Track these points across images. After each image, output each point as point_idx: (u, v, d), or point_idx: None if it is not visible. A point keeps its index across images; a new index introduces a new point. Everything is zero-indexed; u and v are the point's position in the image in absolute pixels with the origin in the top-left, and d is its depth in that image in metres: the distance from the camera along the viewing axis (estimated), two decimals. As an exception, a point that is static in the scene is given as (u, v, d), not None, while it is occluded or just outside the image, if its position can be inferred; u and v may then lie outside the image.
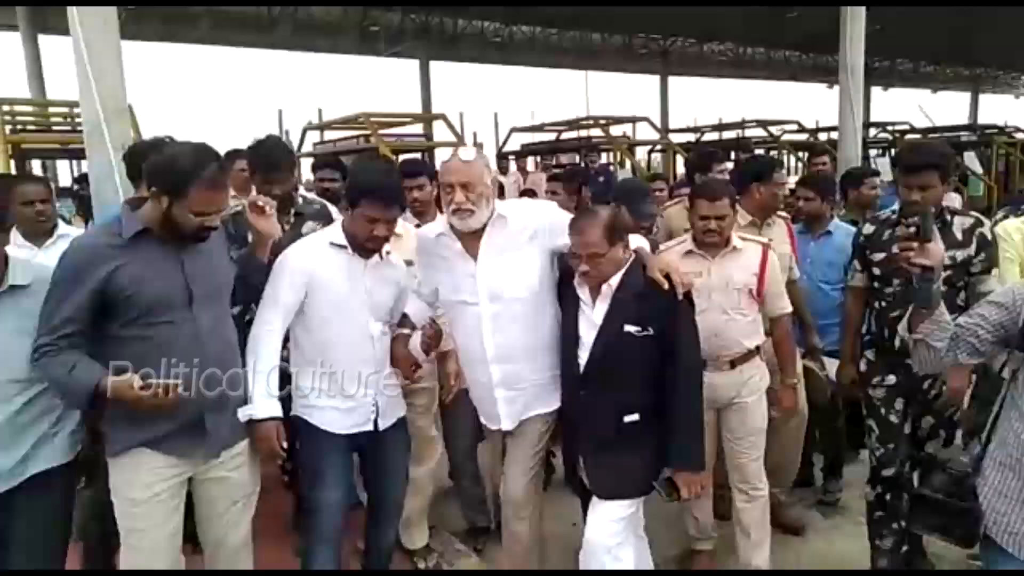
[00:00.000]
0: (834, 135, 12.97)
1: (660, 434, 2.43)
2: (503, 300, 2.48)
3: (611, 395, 2.45)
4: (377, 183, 2.43)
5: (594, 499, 2.54)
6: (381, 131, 8.86)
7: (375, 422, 2.59)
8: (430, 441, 3.29)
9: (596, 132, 12.54)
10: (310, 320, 2.45)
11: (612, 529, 2.46)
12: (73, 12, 4.28)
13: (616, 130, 12.60)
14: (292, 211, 3.16)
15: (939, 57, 27.34)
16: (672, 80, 24.21)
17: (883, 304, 2.94)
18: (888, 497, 2.98)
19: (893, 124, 15.33)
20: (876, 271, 2.94)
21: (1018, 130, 14.81)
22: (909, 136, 14.17)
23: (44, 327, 2.05)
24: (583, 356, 2.45)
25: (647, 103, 23.85)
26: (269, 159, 3.09)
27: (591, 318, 2.46)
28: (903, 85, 29.13)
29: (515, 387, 2.57)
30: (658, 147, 13.77)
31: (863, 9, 8.62)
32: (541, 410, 2.63)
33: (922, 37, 21.47)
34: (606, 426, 2.45)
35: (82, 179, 6.23)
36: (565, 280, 2.58)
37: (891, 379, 2.93)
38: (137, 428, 2.13)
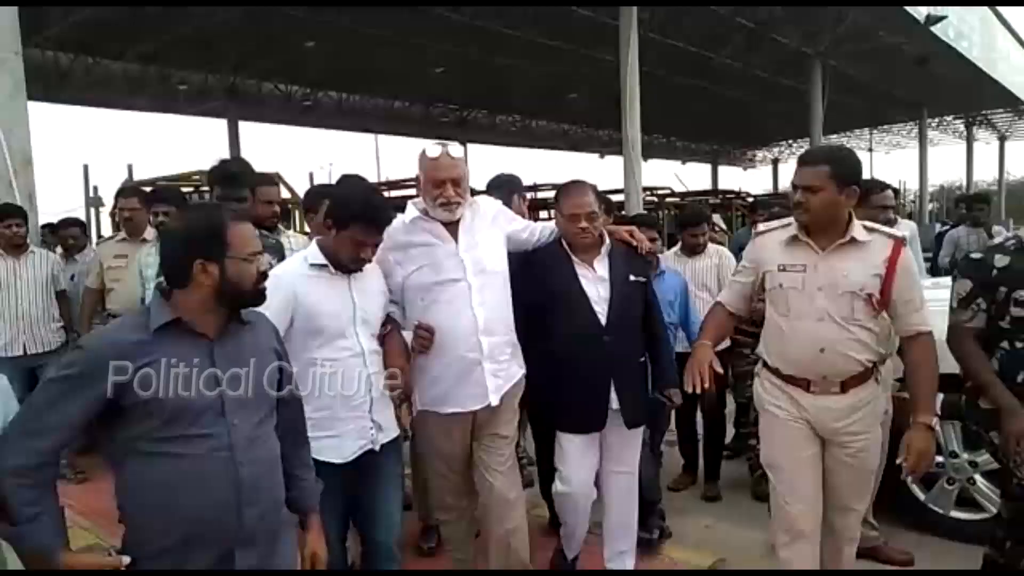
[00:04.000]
0: (615, 197, 15.44)
1: (646, 367, 2.92)
2: (486, 274, 2.60)
3: (629, 337, 2.80)
4: (368, 207, 2.32)
5: (614, 435, 2.83)
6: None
7: (373, 442, 2.40)
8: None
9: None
10: (295, 346, 2.21)
11: (637, 456, 2.94)
12: (-17, 71, 4.55)
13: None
14: None
15: (687, 134, 32.40)
16: (470, 147, 26.33)
17: (1020, 344, 2.39)
18: None
19: (658, 189, 18.24)
20: (1018, 311, 2.37)
21: (749, 195, 18.28)
22: (670, 199, 17.01)
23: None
24: (600, 308, 2.72)
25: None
26: (225, 173, 3.34)
27: (596, 277, 2.75)
28: (659, 157, 33.92)
29: (498, 360, 2.63)
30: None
31: (638, 95, 10.73)
32: (514, 379, 2.72)
33: (673, 117, 25.54)
34: (627, 363, 2.80)
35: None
36: (536, 260, 2.81)
37: None
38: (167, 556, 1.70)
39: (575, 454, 2.81)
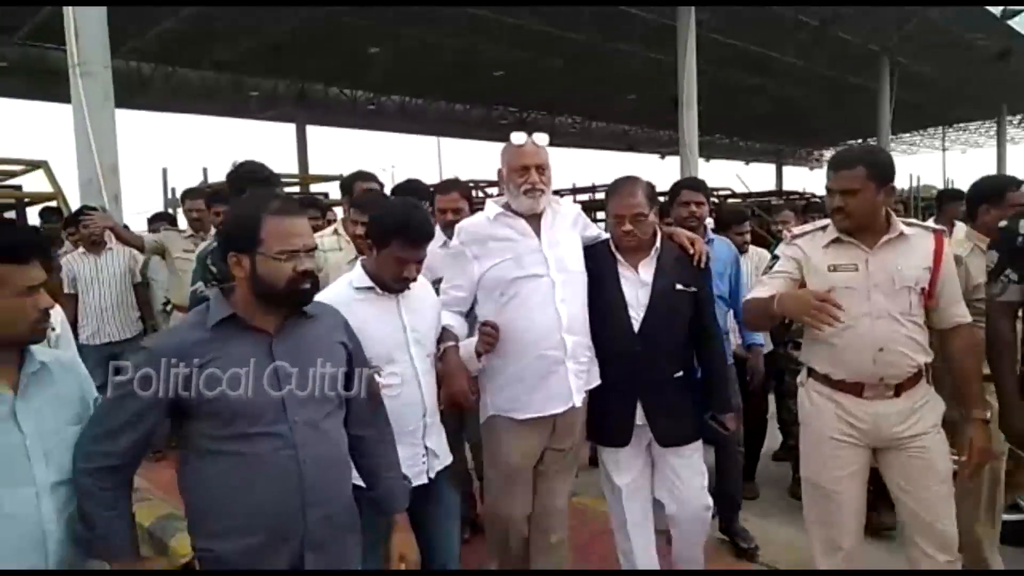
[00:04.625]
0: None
1: (694, 384, 2.68)
2: (568, 272, 2.51)
3: (665, 350, 2.57)
4: (407, 222, 2.18)
5: (660, 456, 2.63)
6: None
7: (428, 471, 2.27)
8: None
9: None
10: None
11: (702, 481, 2.65)
12: (78, 83, 4.97)
13: (491, 190, 14.16)
14: None
15: (750, 134, 31.82)
16: (528, 148, 26.58)
17: None
18: None
19: (717, 189, 18.02)
20: None
21: (814, 196, 17.87)
22: (731, 199, 16.81)
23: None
24: (635, 315, 2.54)
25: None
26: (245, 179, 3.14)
27: (639, 280, 2.56)
28: (721, 157, 33.42)
29: (580, 360, 2.52)
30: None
31: (695, 96, 10.72)
32: (594, 383, 2.61)
33: (735, 117, 25.15)
34: (658, 376, 2.57)
35: None
36: (585, 257, 2.63)
37: None
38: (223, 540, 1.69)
39: (610, 467, 2.69)
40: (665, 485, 2.65)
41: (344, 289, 2.22)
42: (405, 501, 2.03)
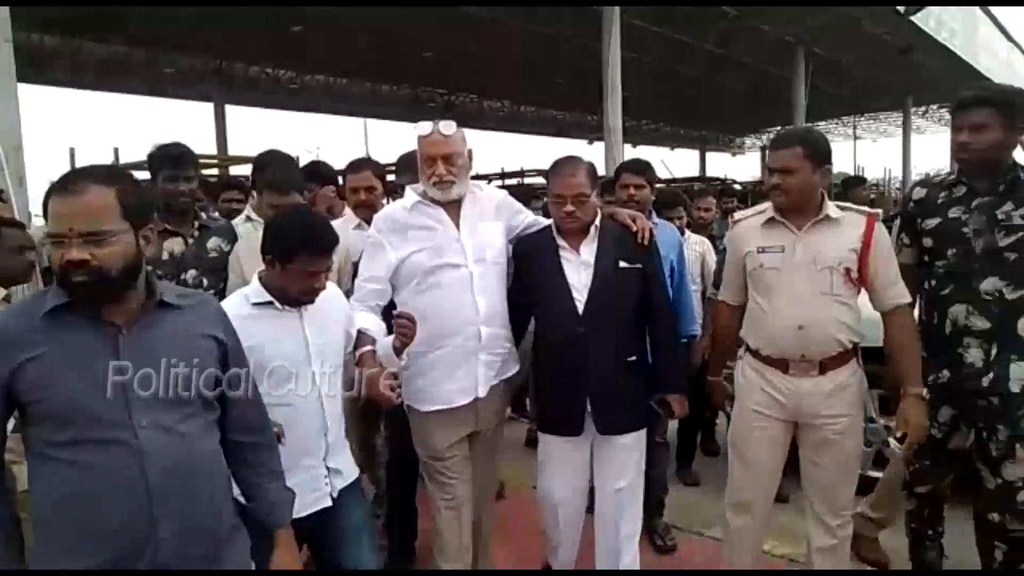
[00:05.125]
0: (599, 183, 15.55)
1: (647, 369, 2.60)
2: (486, 263, 2.48)
3: (612, 331, 2.50)
4: (310, 234, 2.05)
5: (601, 443, 2.59)
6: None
7: (330, 492, 2.16)
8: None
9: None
10: None
11: (629, 472, 2.59)
12: (-27, 57, 4.69)
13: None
14: (197, 224, 2.98)
15: (674, 120, 32.55)
16: (456, 131, 26.45)
17: (933, 283, 2.49)
18: (926, 512, 2.65)
19: (643, 175, 18.40)
20: (927, 242, 2.49)
21: (735, 182, 18.49)
22: (656, 185, 17.23)
23: None
24: (579, 296, 2.49)
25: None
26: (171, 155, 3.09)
27: (580, 261, 2.52)
28: (647, 143, 34.07)
29: (494, 351, 2.52)
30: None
31: (619, 82, 10.92)
32: (506, 375, 2.61)
33: (661, 104, 25.65)
34: (607, 361, 2.50)
35: None
36: (524, 243, 2.63)
37: (944, 375, 2.48)
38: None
39: (552, 458, 2.64)
40: (600, 471, 2.64)
41: (239, 304, 2.07)
42: (289, 514, 1.85)
